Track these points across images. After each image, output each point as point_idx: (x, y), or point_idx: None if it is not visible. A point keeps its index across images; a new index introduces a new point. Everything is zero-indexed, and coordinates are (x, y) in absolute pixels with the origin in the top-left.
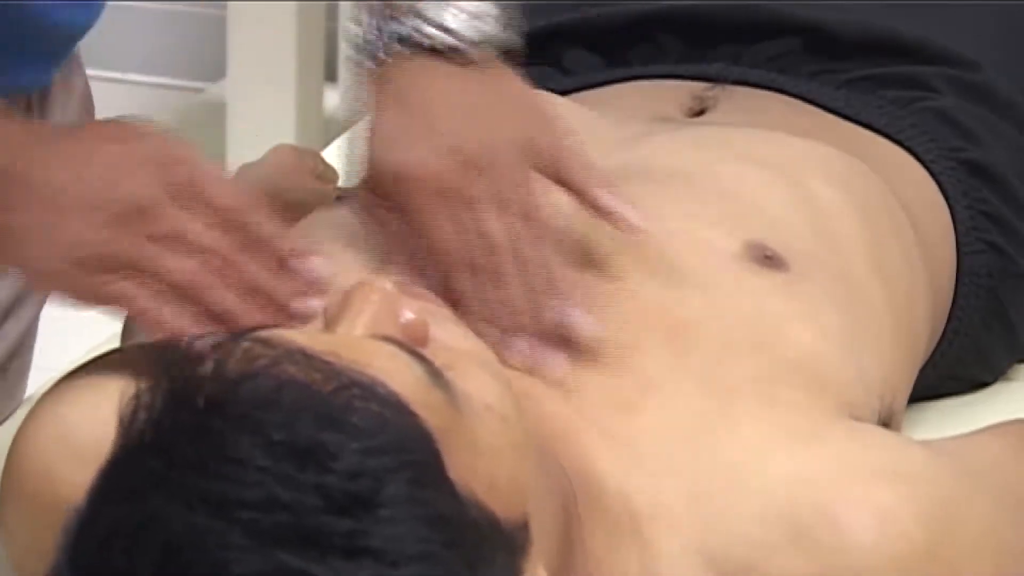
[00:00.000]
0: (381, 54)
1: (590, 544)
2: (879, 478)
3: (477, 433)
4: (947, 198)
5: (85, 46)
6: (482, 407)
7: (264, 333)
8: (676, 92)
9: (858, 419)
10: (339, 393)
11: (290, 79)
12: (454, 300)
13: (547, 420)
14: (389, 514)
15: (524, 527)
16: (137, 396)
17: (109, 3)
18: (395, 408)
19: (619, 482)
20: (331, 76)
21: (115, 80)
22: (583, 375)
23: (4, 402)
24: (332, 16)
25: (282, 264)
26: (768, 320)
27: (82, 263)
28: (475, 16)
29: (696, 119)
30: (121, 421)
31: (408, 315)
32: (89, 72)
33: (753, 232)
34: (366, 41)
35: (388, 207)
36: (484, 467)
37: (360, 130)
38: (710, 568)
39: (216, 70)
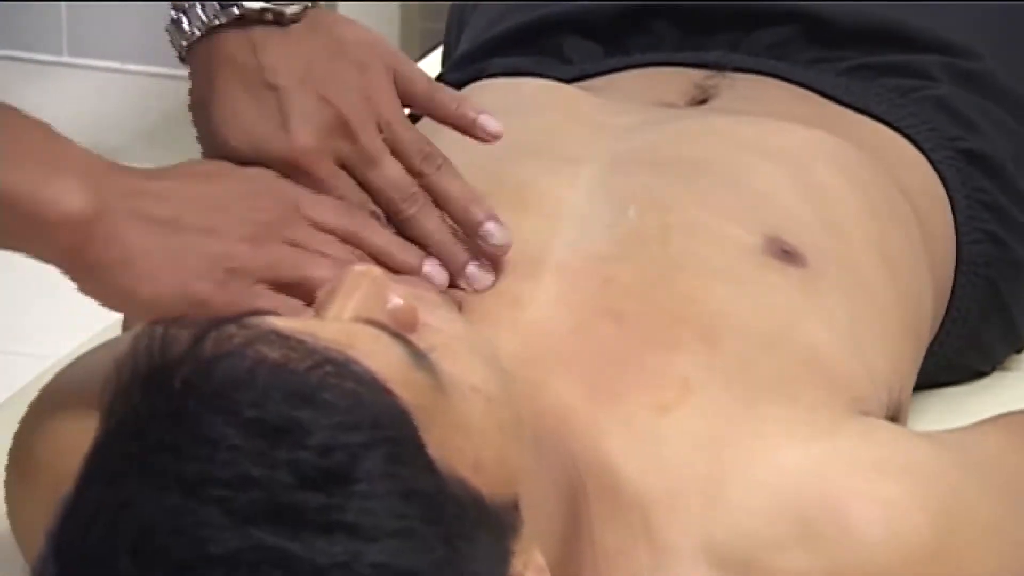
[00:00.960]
0: (199, 32)
1: (600, 538)
2: (886, 473)
3: (462, 413)
4: (946, 187)
5: (84, 36)
6: (468, 388)
7: (242, 318)
8: (678, 80)
9: (866, 414)
10: (313, 371)
11: None
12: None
13: (564, 413)
14: (364, 489)
15: (514, 508)
16: (117, 381)
17: None
18: (371, 386)
19: (636, 480)
20: None
21: (114, 70)
22: (625, 375)
23: None
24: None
25: (412, 271)
26: (788, 317)
27: (233, 276)
28: None
29: (699, 107)
30: (102, 407)
31: (396, 301)
32: (88, 62)
33: (770, 225)
34: (188, 22)
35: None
36: (470, 447)
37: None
38: (718, 565)
39: None
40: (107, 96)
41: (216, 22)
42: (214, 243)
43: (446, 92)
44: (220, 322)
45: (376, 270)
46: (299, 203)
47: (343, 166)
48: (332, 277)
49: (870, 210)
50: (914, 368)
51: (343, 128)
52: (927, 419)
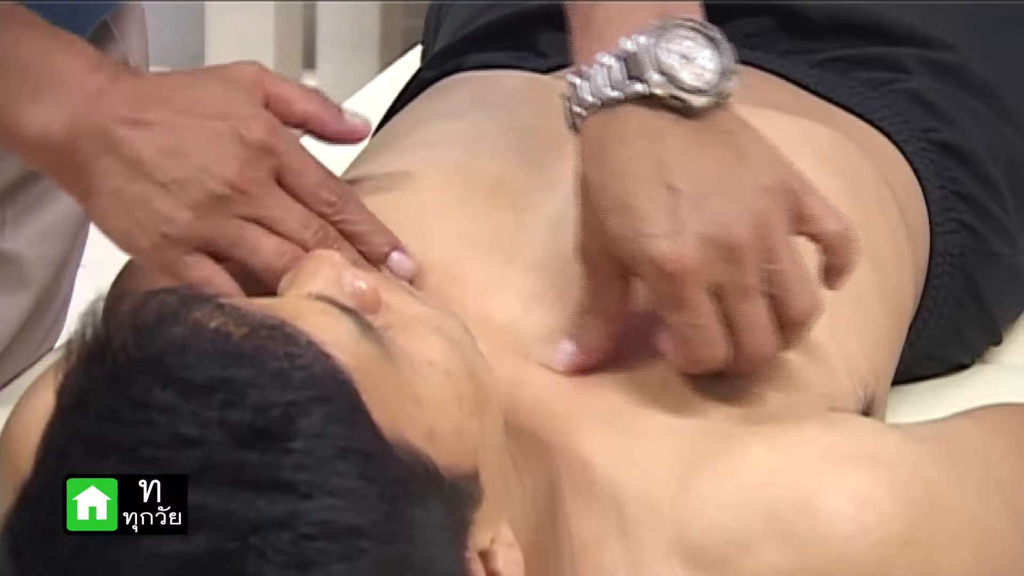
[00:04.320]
0: (596, 105)
1: (576, 530)
2: (856, 465)
3: (415, 385)
4: (919, 178)
5: None
6: (424, 362)
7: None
8: None
9: (839, 410)
10: (250, 336)
11: (268, 67)
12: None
13: (542, 408)
14: (300, 446)
15: (472, 479)
16: (66, 358)
17: None
18: (308, 348)
19: (610, 474)
20: (309, 64)
21: None
22: (597, 371)
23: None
24: (310, 4)
25: (378, 260)
26: None
27: (169, 241)
28: (694, 61)
29: None
30: (55, 387)
31: (358, 284)
32: None
33: None
34: (593, 93)
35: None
36: (423, 417)
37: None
38: (691, 562)
39: (194, 58)
40: None
41: (615, 95)
42: (163, 202)
43: None
44: (161, 292)
45: (336, 256)
46: (281, 167)
47: (718, 293)
48: (268, 265)
49: (854, 201)
50: (892, 361)
51: (730, 253)
52: (905, 412)
